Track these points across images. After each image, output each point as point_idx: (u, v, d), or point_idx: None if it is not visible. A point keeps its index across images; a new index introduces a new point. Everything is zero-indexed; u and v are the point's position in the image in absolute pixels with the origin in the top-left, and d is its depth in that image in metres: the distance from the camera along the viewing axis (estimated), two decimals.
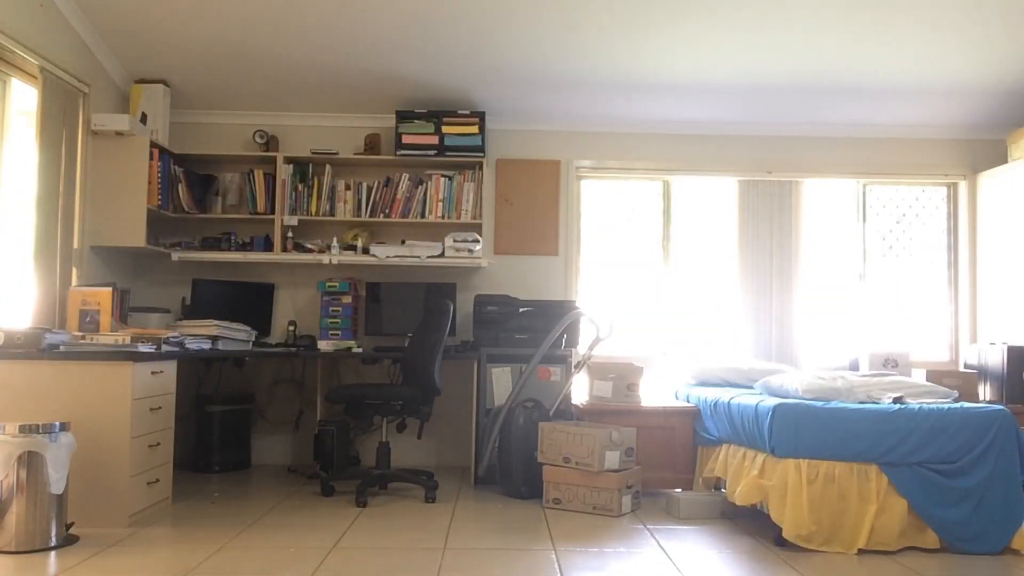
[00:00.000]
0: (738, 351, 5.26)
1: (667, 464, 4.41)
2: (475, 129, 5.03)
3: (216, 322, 4.45)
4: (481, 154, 5.03)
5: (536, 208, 5.33)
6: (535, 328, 4.72)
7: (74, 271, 4.38)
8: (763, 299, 5.30)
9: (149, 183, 4.64)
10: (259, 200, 5.12)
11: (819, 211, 5.47)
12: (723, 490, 4.02)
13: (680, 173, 5.44)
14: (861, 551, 3.29)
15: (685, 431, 4.43)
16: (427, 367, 4.25)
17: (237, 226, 5.21)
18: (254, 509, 3.90)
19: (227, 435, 4.95)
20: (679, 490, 4.26)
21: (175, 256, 4.99)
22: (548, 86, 4.96)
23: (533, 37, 4.46)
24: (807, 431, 3.37)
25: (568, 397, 4.66)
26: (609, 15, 4.25)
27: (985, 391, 4.70)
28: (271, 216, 5.06)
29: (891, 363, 4.77)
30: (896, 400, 3.57)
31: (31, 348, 3.50)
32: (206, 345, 4.36)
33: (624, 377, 4.52)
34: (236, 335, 4.59)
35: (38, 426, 3.16)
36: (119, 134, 4.52)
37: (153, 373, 3.71)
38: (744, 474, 3.62)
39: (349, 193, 5.13)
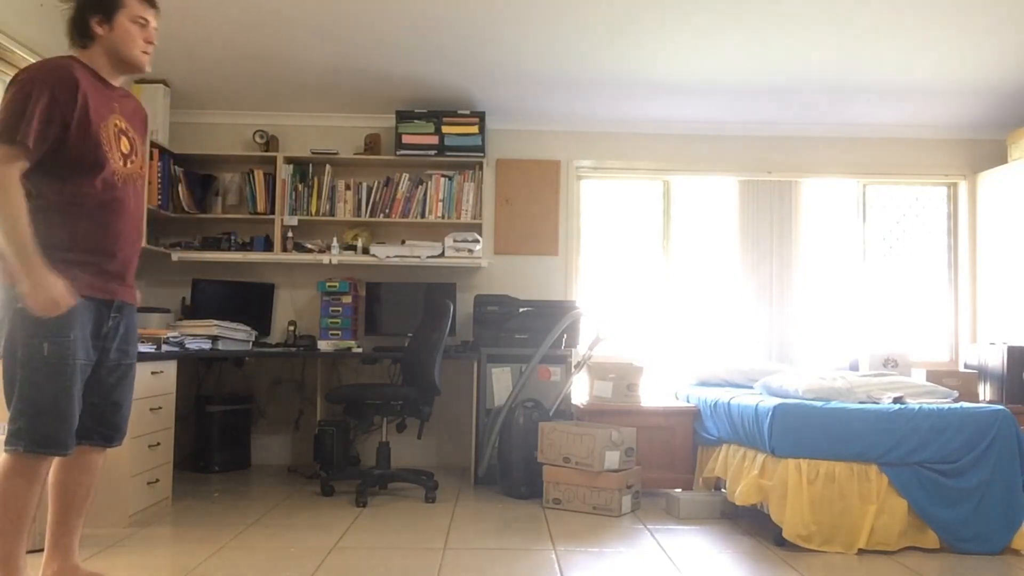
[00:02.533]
0: (738, 351, 5.26)
1: (667, 464, 4.41)
2: (475, 129, 5.03)
3: (216, 322, 4.45)
4: (481, 154, 5.03)
5: (536, 208, 5.33)
6: (535, 328, 4.72)
7: None
8: (763, 299, 5.30)
9: (149, 183, 4.64)
10: (259, 200, 5.12)
11: (819, 211, 5.47)
12: (723, 490, 4.02)
13: (680, 173, 5.44)
14: (861, 551, 3.29)
15: (685, 431, 4.43)
16: (427, 367, 4.25)
17: (237, 226, 5.21)
18: (254, 509, 3.90)
19: (227, 435, 4.94)
20: (679, 490, 4.26)
21: (175, 256, 4.99)
22: (548, 86, 4.95)
23: (533, 37, 4.46)
24: (807, 431, 3.37)
25: (568, 397, 4.66)
26: (610, 15, 4.25)
27: (985, 391, 4.70)
28: (271, 216, 5.06)
29: (891, 363, 4.76)
30: (896, 400, 3.57)
31: None
32: (206, 345, 4.36)
33: (624, 377, 4.52)
34: (236, 335, 4.60)
35: None
36: None
37: (153, 373, 3.71)
38: (744, 474, 3.62)
39: (349, 193, 5.13)
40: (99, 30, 2.38)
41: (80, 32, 2.39)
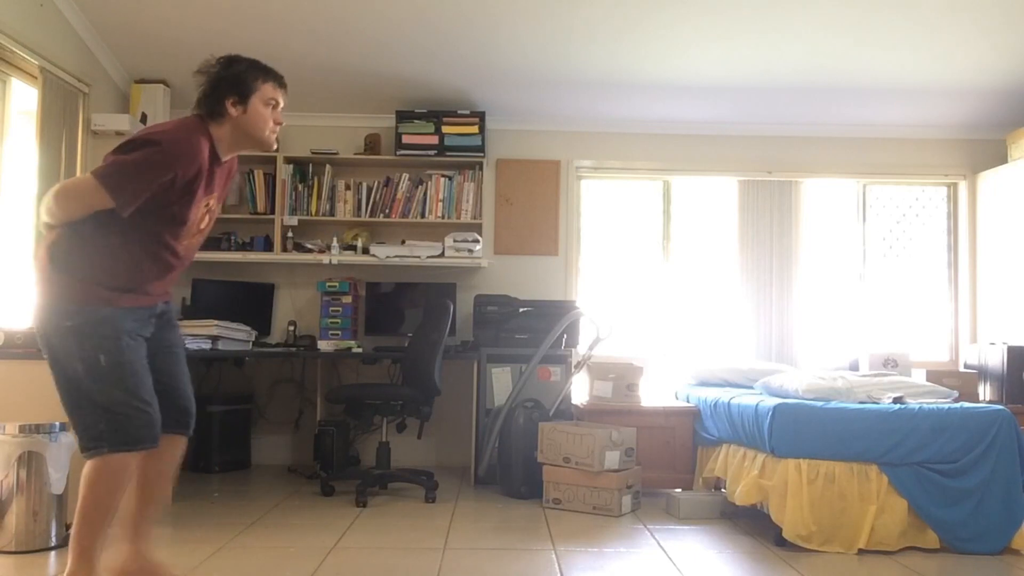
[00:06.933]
0: (738, 351, 5.26)
1: (667, 464, 4.41)
2: (475, 129, 5.03)
3: (216, 322, 4.45)
4: (481, 154, 5.03)
5: (536, 208, 5.33)
6: (535, 328, 4.72)
7: None
8: (763, 299, 5.30)
9: None
10: (259, 200, 5.12)
11: (819, 211, 5.47)
12: (723, 490, 4.02)
13: (680, 173, 5.44)
14: (861, 551, 3.28)
15: (685, 431, 4.42)
16: (427, 367, 4.25)
17: (237, 226, 5.20)
18: (254, 509, 3.90)
19: (227, 435, 4.94)
20: (679, 490, 4.25)
21: None
22: (548, 86, 4.95)
23: (533, 37, 4.46)
24: (807, 431, 3.37)
25: (568, 397, 4.66)
26: (610, 15, 4.25)
27: (985, 391, 4.69)
28: (271, 216, 5.06)
29: (891, 363, 4.76)
30: (896, 400, 3.57)
31: (31, 348, 3.50)
32: (206, 345, 4.36)
33: (624, 377, 4.52)
34: (236, 335, 4.59)
35: (38, 426, 3.16)
36: (119, 134, 4.51)
37: None
38: (744, 474, 3.62)
39: (349, 193, 5.13)
40: (233, 111, 2.42)
41: (213, 110, 2.41)
